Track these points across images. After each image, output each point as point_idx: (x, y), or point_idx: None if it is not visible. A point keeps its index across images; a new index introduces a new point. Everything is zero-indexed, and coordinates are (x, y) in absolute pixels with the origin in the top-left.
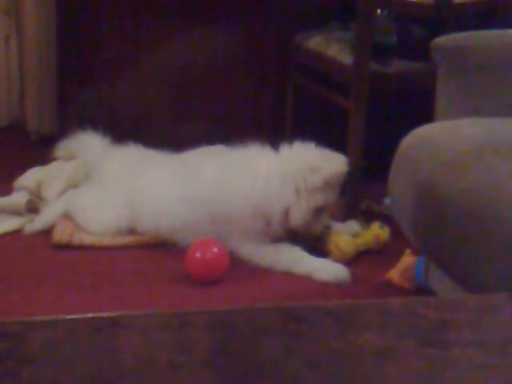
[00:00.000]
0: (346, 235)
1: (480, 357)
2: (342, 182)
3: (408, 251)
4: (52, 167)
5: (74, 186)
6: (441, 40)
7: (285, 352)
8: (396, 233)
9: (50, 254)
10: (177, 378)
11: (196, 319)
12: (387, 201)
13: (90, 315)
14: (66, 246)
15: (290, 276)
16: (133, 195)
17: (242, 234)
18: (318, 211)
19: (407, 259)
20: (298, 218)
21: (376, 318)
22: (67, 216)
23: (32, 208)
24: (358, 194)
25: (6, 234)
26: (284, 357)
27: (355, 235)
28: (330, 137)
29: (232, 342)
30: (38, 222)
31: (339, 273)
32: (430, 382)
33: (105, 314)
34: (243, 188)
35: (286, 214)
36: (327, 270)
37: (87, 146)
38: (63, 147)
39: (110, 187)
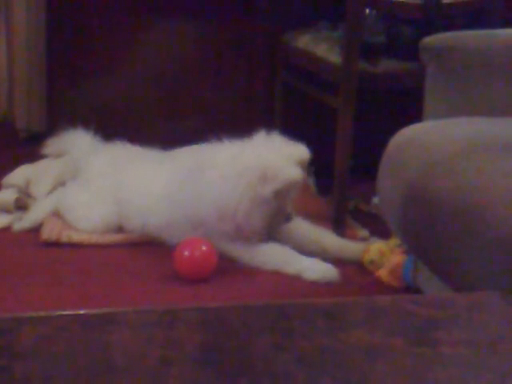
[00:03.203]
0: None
1: (469, 355)
2: (299, 184)
3: (397, 250)
4: (41, 165)
5: (62, 183)
6: (429, 40)
7: (275, 349)
8: (384, 232)
9: (39, 251)
10: (167, 374)
11: (187, 316)
12: (376, 200)
13: (82, 311)
14: (55, 244)
15: (279, 274)
16: (119, 193)
17: (219, 236)
18: (276, 212)
19: (396, 258)
20: (254, 224)
21: (366, 316)
22: (56, 213)
23: (21, 205)
24: (347, 193)
25: None
26: (275, 354)
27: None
28: (318, 136)
29: (223, 338)
30: (27, 220)
31: (328, 272)
32: (419, 379)
33: (96, 311)
34: (207, 191)
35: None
36: (316, 269)
37: (76, 144)
38: (53, 144)
39: (98, 185)
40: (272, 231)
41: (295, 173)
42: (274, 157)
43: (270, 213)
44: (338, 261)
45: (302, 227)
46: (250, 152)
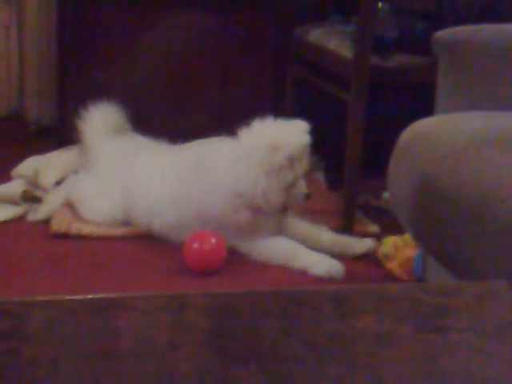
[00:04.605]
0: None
1: (477, 342)
2: (308, 150)
3: (412, 244)
4: (51, 156)
5: (73, 172)
6: (442, 34)
7: (283, 334)
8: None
9: (48, 242)
10: (175, 358)
11: (195, 301)
12: (386, 195)
13: (90, 296)
14: (64, 236)
15: (288, 267)
16: (127, 189)
17: (230, 230)
18: (293, 183)
19: (409, 251)
20: (273, 199)
21: (375, 303)
22: (67, 204)
23: (28, 197)
24: (357, 188)
25: (4, 223)
26: (283, 339)
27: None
28: (329, 130)
29: (231, 324)
30: (41, 211)
31: (333, 268)
32: (427, 366)
33: (104, 295)
34: (216, 183)
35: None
36: (322, 264)
37: (88, 134)
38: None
39: (108, 177)
40: (291, 209)
41: (303, 138)
42: (278, 129)
43: (286, 185)
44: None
45: (299, 225)
46: (252, 133)
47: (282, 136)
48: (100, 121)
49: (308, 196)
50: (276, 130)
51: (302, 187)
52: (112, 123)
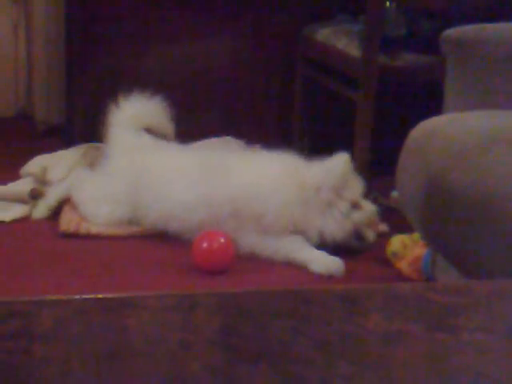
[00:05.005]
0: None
1: (488, 341)
2: (353, 175)
3: (421, 243)
4: (59, 154)
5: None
6: (450, 32)
7: (294, 333)
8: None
9: (57, 242)
10: (186, 357)
11: (206, 301)
12: (395, 194)
13: (101, 295)
14: (73, 235)
15: (296, 266)
16: (139, 190)
17: (261, 228)
18: (354, 207)
19: (418, 250)
20: (335, 233)
21: (384, 302)
22: (72, 202)
23: (36, 195)
24: (366, 186)
25: (14, 222)
26: (293, 338)
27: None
28: (338, 129)
29: (242, 323)
30: (43, 205)
31: (333, 265)
32: (437, 365)
33: (115, 295)
34: (281, 191)
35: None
36: (321, 262)
37: (117, 125)
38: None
39: (117, 177)
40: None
41: (340, 167)
42: (317, 168)
43: (343, 214)
44: (359, 253)
45: None
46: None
47: (319, 174)
48: (129, 115)
49: (374, 212)
50: (315, 169)
51: (367, 205)
52: (145, 118)
